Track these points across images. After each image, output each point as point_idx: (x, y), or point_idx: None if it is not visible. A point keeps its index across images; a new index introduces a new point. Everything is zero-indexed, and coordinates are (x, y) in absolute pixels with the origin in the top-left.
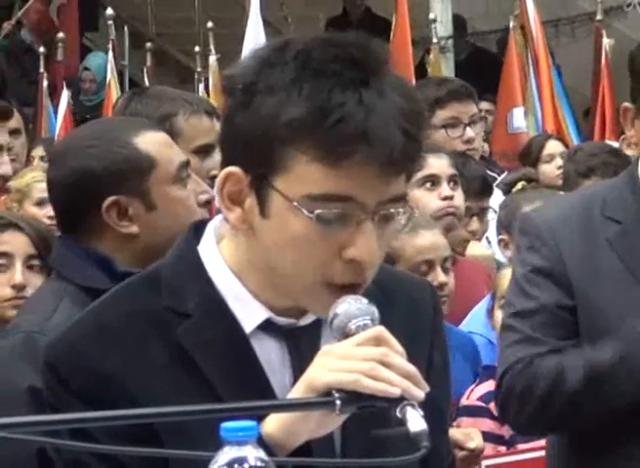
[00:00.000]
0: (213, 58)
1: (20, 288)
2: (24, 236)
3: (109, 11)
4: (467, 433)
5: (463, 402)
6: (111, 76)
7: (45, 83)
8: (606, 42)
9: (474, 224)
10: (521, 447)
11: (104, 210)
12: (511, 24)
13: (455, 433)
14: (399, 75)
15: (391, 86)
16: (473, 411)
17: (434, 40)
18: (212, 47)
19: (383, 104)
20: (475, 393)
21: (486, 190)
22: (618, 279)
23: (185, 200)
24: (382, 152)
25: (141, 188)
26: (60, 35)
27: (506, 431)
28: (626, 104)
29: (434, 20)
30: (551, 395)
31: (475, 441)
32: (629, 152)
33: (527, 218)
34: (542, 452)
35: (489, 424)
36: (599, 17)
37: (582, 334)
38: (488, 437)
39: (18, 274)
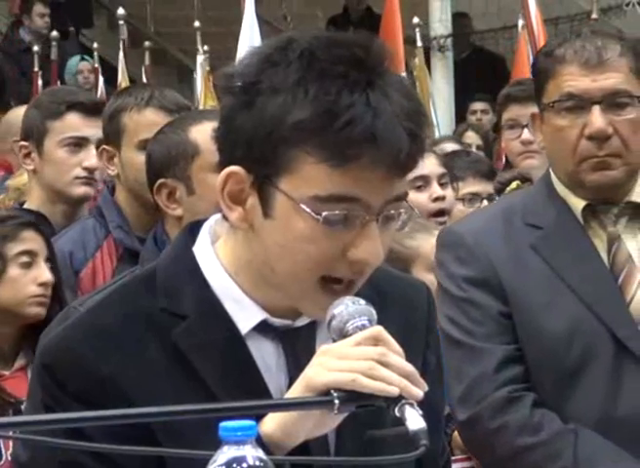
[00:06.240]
0: (201, 58)
1: (47, 286)
2: (41, 236)
3: (121, 10)
4: None
5: None
6: (122, 77)
7: (40, 82)
8: None
9: None
10: None
11: (155, 191)
12: (520, 23)
13: None
14: (396, 73)
15: (393, 86)
16: None
17: (418, 44)
18: (199, 46)
19: (389, 106)
20: None
21: (492, 174)
22: (546, 282)
23: None
24: (390, 154)
25: (186, 173)
26: (54, 34)
27: None
28: (535, 111)
29: (419, 25)
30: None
31: None
32: None
33: (450, 232)
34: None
35: None
36: (594, 15)
37: (520, 340)
38: None
39: (46, 272)
